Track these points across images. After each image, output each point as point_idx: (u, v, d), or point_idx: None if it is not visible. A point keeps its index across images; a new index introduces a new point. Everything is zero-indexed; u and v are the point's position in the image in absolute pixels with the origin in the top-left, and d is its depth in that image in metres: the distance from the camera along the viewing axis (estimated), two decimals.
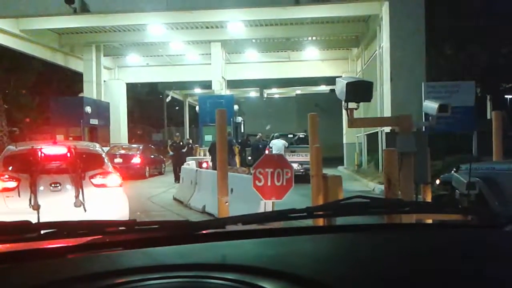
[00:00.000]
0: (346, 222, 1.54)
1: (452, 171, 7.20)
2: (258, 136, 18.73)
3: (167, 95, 37.79)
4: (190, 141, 21.31)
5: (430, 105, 5.69)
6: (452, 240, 1.42)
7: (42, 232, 1.22)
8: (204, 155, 17.99)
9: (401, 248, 1.33)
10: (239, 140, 18.90)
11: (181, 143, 18.42)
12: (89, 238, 1.24)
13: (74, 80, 27.36)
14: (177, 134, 20.95)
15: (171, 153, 18.07)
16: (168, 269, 1.05)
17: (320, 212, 1.57)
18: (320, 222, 1.60)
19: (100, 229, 1.29)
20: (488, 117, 16.64)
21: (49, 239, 1.23)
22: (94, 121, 21.96)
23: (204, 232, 1.31)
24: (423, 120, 8.29)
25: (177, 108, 41.53)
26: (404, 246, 1.36)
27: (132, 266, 1.08)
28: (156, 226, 1.31)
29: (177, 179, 16.61)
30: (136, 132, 35.78)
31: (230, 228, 1.37)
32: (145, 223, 1.32)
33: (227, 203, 8.35)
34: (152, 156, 21.93)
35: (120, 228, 1.30)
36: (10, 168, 6.55)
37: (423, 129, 6.92)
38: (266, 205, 6.41)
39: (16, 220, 1.25)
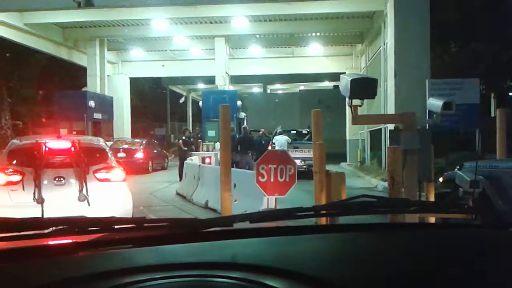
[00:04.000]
0: (351, 221, 1.55)
1: (456, 169, 7.19)
2: (260, 132, 18.72)
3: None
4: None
5: (435, 103, 5.68)
6: (457, 240, 1.42)
7: (52, 228, 1.23)
8: (207, 150, 17.94)
9: (406, 248, 1.34)
10: (241, 135, 18.82)
11: (191, 138, 17.51)
12: (98, 235, 1.26)
13: (78, 74, 27.38)
14: (186, 127, 19.99)
15: (185, 148, 16.54)
16: (177, 268, 1.07)
17: (327, 211, 1.58)
18: (325, 220, 1.61)
19: (109, 226, 1.31)
20: (492, 114, 16.59)
21: (59, 236, 1.24)
22: (97, 116, 21.98)
23: (212, 230, 1.33)
24: (427, 117, 8.28)
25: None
26: (409, 245, 1.37)
27: (142, 264, 1.09)
28: (165, 224, 1.32)
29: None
30: (139, 126, 35.81)
31: (238, 226, 1.38)
32: (154, 221, 1.33)
33: (236, 201, 8.37)
34: (155, 151, 21.95)
35: (129, 225, 1.31)
36: (15, 162, 6.57)
37: (427, 127, 6.91)
38: (269, 201, 6.42)
39: (20, 214, 1.26)
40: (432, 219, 1.82)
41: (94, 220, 1.32)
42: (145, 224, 1.27)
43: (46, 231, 1.22)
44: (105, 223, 1.32)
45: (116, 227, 1.30)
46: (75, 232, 1.25)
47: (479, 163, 6.85)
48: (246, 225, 1.38)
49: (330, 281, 1.05)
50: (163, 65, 28.29)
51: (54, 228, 1.23)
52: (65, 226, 1.25)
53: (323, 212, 1.55)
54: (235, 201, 8.47)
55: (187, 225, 1.39)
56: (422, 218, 1.81)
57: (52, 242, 1.23)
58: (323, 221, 1.62)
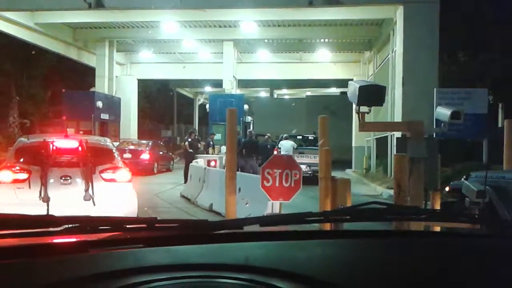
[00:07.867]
0: (360, 227, 1.55)
1: (462, 179, 7.16)
2: (266, 137, 18.72)
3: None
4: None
5: (443, 112, 5.67)
6: (463, 249, 1.43)
7: (64, 226, 1.24)
8: (213, 153, 17.94)
9: (414, 255, 1.34)
10: (246, 139, 18.77)
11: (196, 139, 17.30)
12: (110, 234, 1.27)
13: (86, 74, 27.51)
14: (194, 128, 19.72)
15: (190, 150, 16.23)
16: (187, 269, 1.08)
17: (337, 216, 1.58)
18: (334, 226, 1.62)
19: (121, 226, 1.32)
20: (500, 125, 16.51)
21: (71, 234, 1.26)
22: (105, 116, 22.08)
23: (222, 232, 1.34)
24: (434, 126, 8.25)
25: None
26: (417, 253, 1.37)
27: (152, 264, 1.10)
28: (176, 225, 1.33)
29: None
30: (145, 128, 35.93)
31: (247, 229, 1.39)
32: (164, 221, 1.34)
33: (247, 204, 8.39)
34: (161, 153, 22.00)
35: (141, 225, 1.33)
36: (22, 160, 6.62)
37: (434, 135, 6.89)
38: (273, 206, 6.42)
39: (26, 212, 1.26)
40: (440, 228, 1.82)
41: (105, 219, 1.33)
42: (156, 225, 1.28)
43: (58, 228, 1.23)
44: (117, 223, 1.33)
45: (127, 226, 1.31)
46: (86, 231, 1.26)
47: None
48: (256, 228, 1.39)
49: (338, 286, 1.06)
50: (184, 67, 28.45)
51: (66, 226, 1.24)
52: (77, 225, 1.26)
53: (333, 217, 1.56)
54: (247, 204, 8.51)
55: (197, 226, 1.40)
56: (430, 226, 1.81)
57: (63, 240, 1.24)
58: (332, 226, 1.63)
